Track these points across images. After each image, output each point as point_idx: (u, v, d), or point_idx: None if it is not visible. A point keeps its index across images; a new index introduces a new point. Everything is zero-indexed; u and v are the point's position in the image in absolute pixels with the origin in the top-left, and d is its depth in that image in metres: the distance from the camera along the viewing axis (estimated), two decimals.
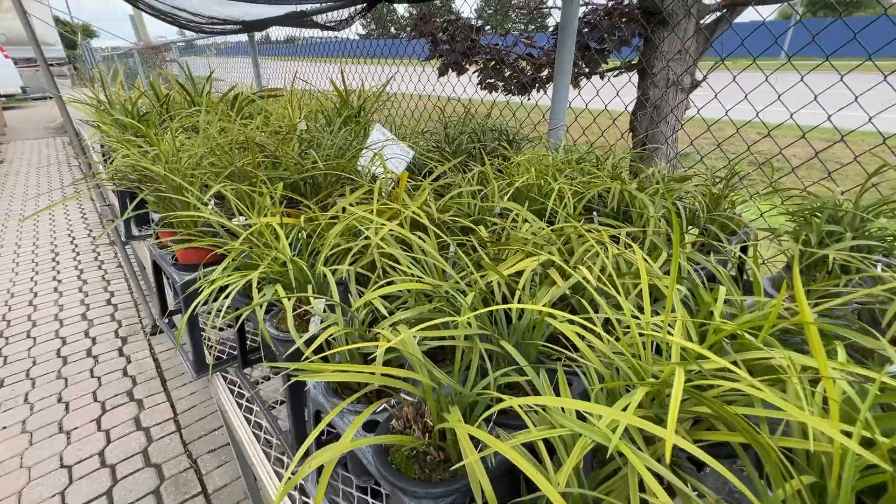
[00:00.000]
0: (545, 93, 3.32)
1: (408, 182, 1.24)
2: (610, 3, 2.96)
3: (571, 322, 0.59)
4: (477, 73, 3.70)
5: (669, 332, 0.55)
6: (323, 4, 3.05)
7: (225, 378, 1.25)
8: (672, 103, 3.12)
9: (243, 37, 6.80)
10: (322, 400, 0.72)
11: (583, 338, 0.57)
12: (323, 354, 0.72)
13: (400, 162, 1.38)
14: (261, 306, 0.80)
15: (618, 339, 0.57)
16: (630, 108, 2.98)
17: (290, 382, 0.84)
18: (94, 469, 2.05)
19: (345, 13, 3.16)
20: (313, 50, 5.39)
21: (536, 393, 0.59)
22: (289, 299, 0.76)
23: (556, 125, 1.95)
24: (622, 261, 0.80)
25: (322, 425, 0.53)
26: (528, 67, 3.56)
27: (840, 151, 1.62)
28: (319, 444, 0.89)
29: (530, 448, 0.54)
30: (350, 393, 0.67)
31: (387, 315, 0.66)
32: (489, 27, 3.58)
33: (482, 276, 0.76)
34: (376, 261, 0.82)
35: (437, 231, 0.89)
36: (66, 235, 4.71)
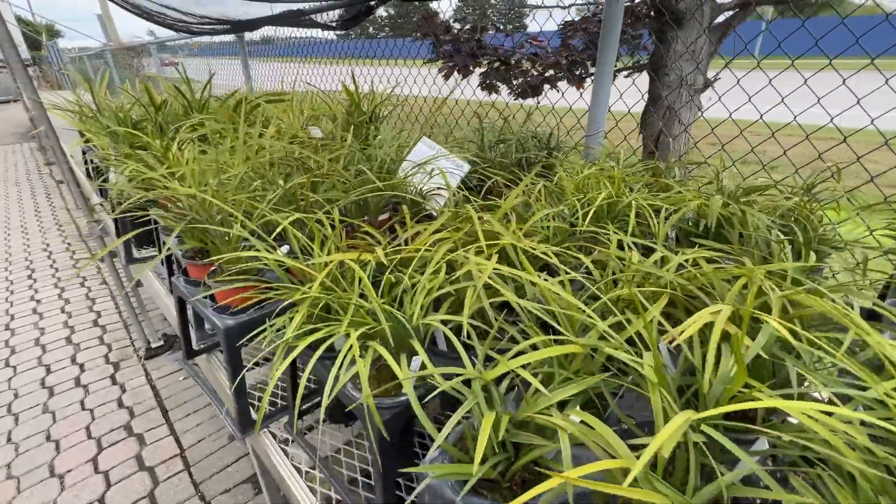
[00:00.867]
0: (561, 94, 3.22)
1: (462, 199, 1.10)
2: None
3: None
4: (480, 75, 3.57)
5: None
6: (323, 3, 2.88)
7: (273, 435, 1.07)
8: (684, 104, 3.05)
9: (217, 38, 6.54)
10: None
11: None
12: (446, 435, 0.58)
13: (453, 177, 1.24)
14: (340, 364, 0.65)
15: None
16: (620, 110, 2.84)
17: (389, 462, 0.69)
18: None
19: (345, 11, 2.99)
20: (292, 50, 5.18)
21: None
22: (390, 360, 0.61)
23: (596, 130, 1.84)
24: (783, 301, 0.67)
25: None
26: (538, 68, 3.46)
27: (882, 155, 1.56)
28: None
29: None
30: (495, 490, 0.53)
31: (541, 390, 0.52)
32: (492, 28, 3.45)
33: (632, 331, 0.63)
34: (486, 308, 0.68)
35: (555, 263, 0.75)
36: (41, 250, 4.40)
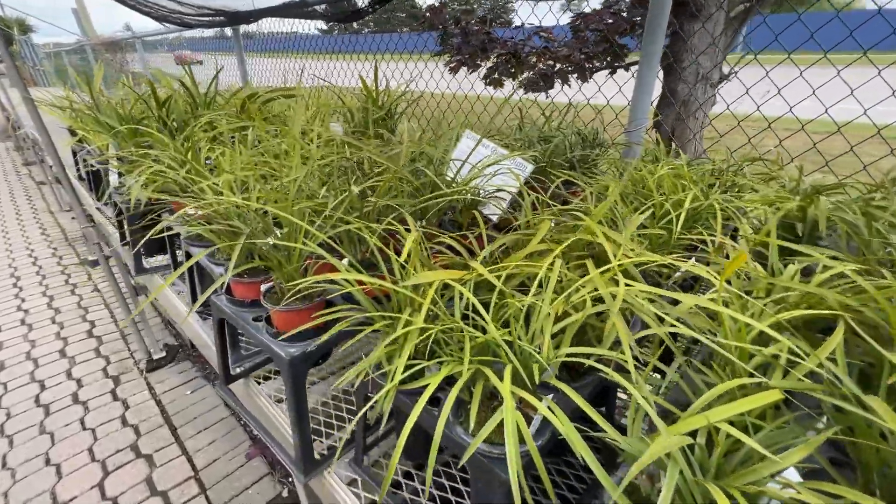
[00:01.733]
0: (578, 87, 3.12)
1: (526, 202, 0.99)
2: None
3: None
4: (487, 69, 3.47)
5: None
6: None
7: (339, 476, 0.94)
8: (701, 98, 2.98)
9: (198, 32, 6.31)
10: None
11: None
12: None
13: (512, 178, 1.13)
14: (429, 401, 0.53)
15: None
16: (619, 103, 2.77)
17: None
18: None
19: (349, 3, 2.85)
20: (275, 45, 5.00)
21: None
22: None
23: (638, 125, 1.74)
24: None
25: None
26: (548, 62, 3.36)
27: None
28: None
29: None
30: None
31: (768, 456, 0.42)
32: (502, 19, 3.34)
33: None
34: (627, 341, 0.57)
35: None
36: (26, 256, 4.16)
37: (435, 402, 0.66)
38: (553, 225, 0.91)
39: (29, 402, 2.43)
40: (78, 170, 2.97)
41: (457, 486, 0.85)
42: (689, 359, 0.57)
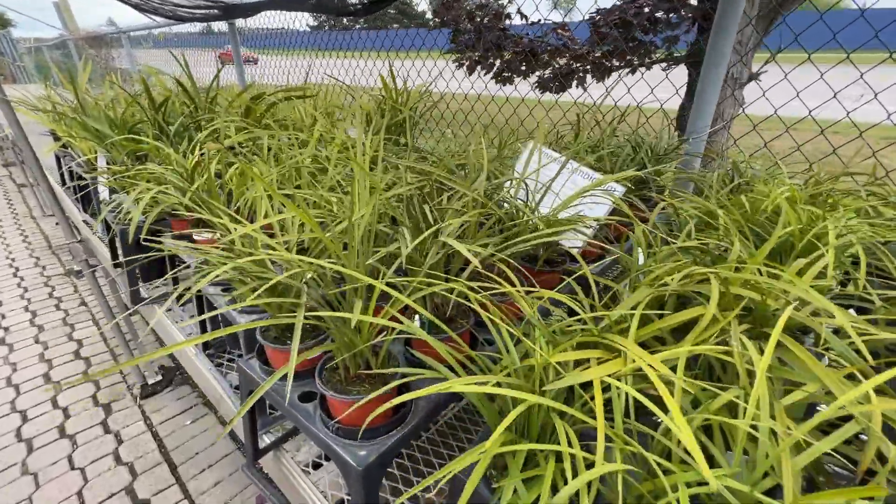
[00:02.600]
0: (583, 88, 2.95)
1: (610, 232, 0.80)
2: None
3: None
4: (499, 67, 3.28)
5: None
6: None
7: None
8: (729, 98, 2.81)
9: (186, 28, 6.02)
10: None
11: None
12: None
13: (600, 205, 0.94)
14: None
15: None
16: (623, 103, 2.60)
17: None
18: None
19: None
20: (260, 42, 4.77)
21: None
22: None
23: (699, 133, 1.56)
24: None
25: None
26: (564, 60, 3.18)
27: None
28: None
29: None
30: None
31: None
32: (518, 15, 3.15)
33: None
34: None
35: None
36: (7, 266, 3.88)
37: None
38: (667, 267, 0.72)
39: (9, 437, 2.19)
40: (62, 178, 2.71)
41: None
42: None
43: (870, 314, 0.74)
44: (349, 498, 0.76)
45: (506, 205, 0.94)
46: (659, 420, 0.48)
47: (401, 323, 0.56)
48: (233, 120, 1.62)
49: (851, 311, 0.76)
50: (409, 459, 0.88)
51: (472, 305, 0.59)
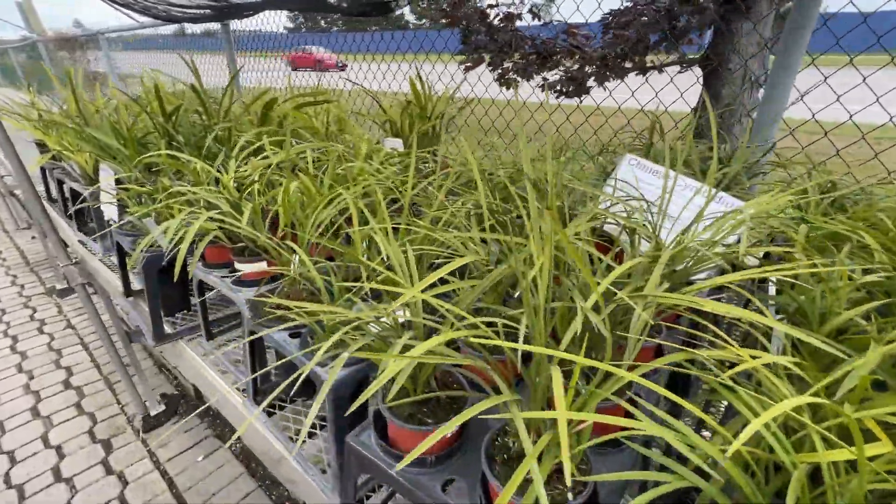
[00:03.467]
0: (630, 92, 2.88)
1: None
2: None
3: None
4: (502, 69, 3.18)
5: None
6: None
7: None
8: (748, 102, 2.77)
9: (154, 30, 5.75)
10: None
11: None
12: None
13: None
14: None
15: None
16: (631, 107, 2.56)
17: None
18: None
19: None
20: (239, 45, 4.57)
21: None
22: None
23: (763, 140, 1.48)
24: None
25: None
26: (578, 62, 3.11)
27: None
28: None
29: None
30: None
31: None
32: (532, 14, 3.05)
33: None
34: None
35: None
36: None
37: None
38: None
39: None
40: (48, 192, 2.48)
41: None
42: None
43: None
44: None
45: (610, 229, 0.82)
46: None
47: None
48: (265, 131, 1.45)
49: None
50: None
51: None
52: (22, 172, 1.78)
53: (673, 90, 2.10)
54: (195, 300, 1.39)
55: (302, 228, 1.01)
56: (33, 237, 4.55)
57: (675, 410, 0.83)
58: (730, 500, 0.43)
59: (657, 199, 0.84)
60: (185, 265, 1.22)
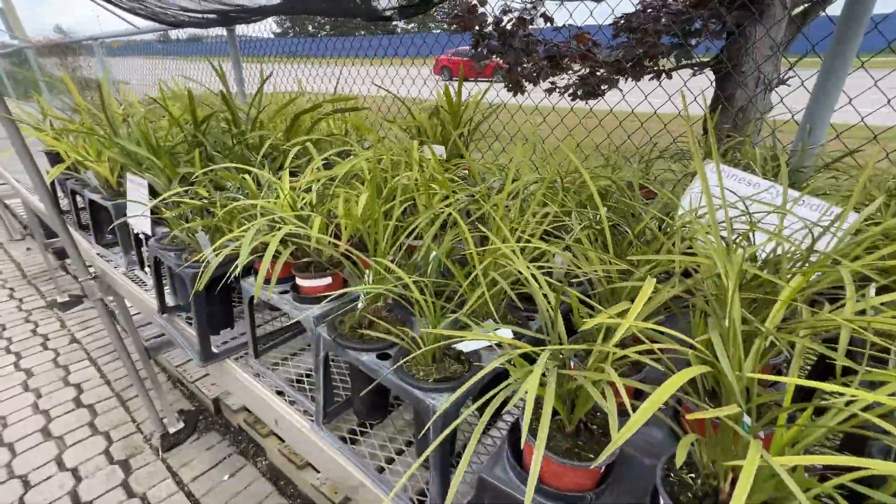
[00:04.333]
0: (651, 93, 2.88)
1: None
2: None
3: None
4: (511, 72, 3.17)
5: None
6: None
7: None
8: (761, 104, 2.79)
9: (139, 36, 5.66)
10: None
11: None
12: None
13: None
14: None
15: None
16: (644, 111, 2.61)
17: None
18: None
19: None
20: (224, 49, 4.50)
21: None
22: None
23: (812, 145, 1.47)
24: None
25: None
26: (593, 68, 3.11)
27: None
28: None
29: None
30: None
31: None
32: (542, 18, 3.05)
33: None
34: None
35: None
36: None
37: None
38: None
39: None
40: (56, 203, 2.39)
41: None
42: None
43: None
44: None
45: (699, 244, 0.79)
46: None
47: None
48: (311, 140, 1.40)
49: None
50: None
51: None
52: (42, 185, 1.71)
53: (683, 94, 2.10)
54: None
55: (370, 241, 0.97)
56: (28, 248, 4.40)
57: None
58: None
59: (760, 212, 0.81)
60: (223, 281, 1.17)
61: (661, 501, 0.46)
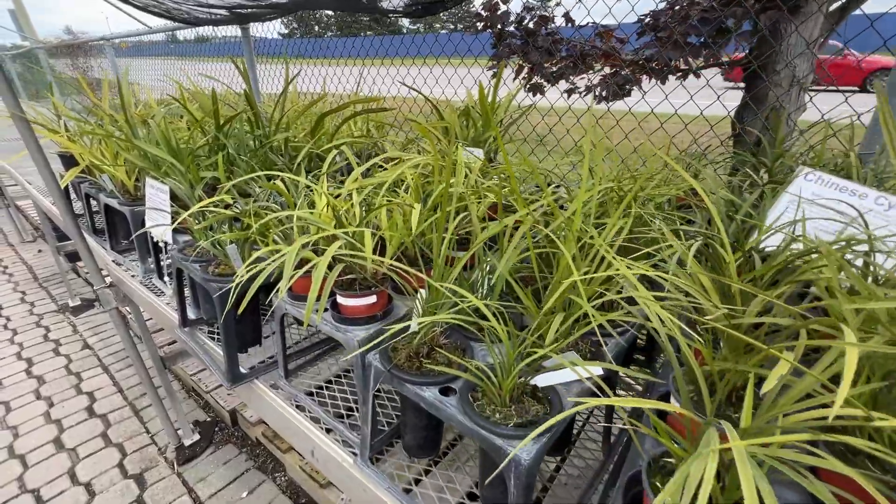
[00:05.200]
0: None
1: None
2: None
3: None
4: (527, 73, 3.08)
5: None
6: None
7: None
8: (794, 104, 2.67)
9: (145, 37, 5.60)
10: None
11: None
12: None
13: None
14: None
15: None
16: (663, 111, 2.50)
17: None
18: None
19: None
20: (229, 50, 4.43)
21: None
22: None
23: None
24: None
25: None
26: (617, 68, 3.00)
27: None
28: None
29: None
30: None
31: None
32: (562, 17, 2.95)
33: None
34: None
35: None
36: None
37: None
38: None
39: None
40: (71, 206, 2.32)
41: None
42: None
43: None
44: None
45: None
46: None
47: None
48: (345, 142, 1.31)
49: None
50: None
51: None
52: (56, 189, 1.63)
53: (706, 94, 2.00)
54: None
55: (416, 254, 0.88)
56: (40, 250, 4.36)
57: None
58: None
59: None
60: (256, 299, 1.08)
61: None
